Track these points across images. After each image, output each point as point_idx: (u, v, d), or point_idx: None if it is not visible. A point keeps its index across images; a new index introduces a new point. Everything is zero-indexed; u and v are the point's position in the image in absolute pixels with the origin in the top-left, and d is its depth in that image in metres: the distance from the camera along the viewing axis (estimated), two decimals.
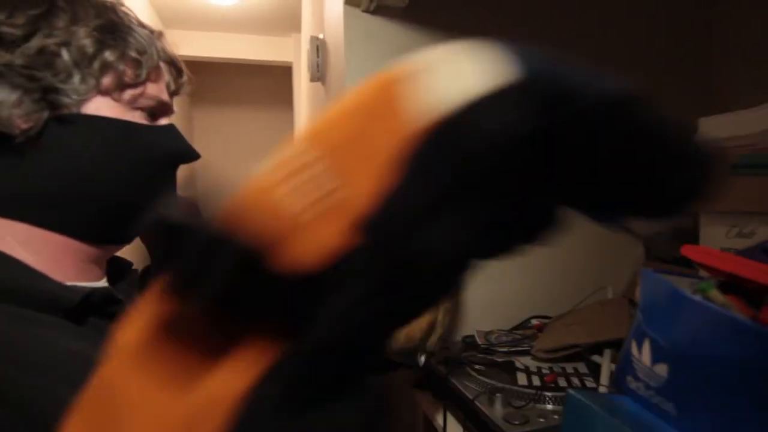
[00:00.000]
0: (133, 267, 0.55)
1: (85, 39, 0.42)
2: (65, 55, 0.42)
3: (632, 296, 1.06)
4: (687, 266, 0.94)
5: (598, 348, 0.90)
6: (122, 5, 0.49)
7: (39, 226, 0.43)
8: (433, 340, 0.69)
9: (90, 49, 0.42)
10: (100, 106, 0.44)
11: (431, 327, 0.69)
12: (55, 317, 0.41)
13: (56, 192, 0.43)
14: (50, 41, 0.41)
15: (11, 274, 0.41)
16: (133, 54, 0.45)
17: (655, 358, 0.43)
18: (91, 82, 0.43)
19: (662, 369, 0.42)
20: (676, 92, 1.27)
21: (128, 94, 0.45)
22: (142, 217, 0.48)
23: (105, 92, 0.44)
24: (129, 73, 0.45)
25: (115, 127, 0.44)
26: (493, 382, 0.83)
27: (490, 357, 0.94)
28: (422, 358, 0.69)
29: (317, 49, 1.46)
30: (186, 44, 3.59)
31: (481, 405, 0.77)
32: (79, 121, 0.42)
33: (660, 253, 1.11)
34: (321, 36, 1.48)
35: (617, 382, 0.48)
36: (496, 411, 0.75)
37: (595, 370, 0.85)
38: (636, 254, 1.25)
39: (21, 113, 0.40)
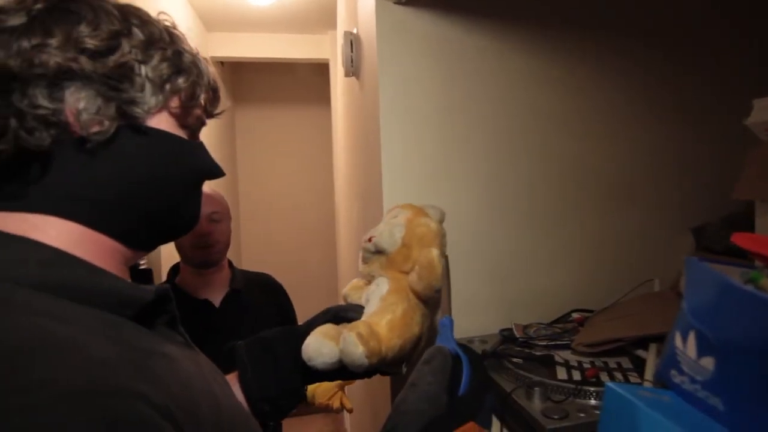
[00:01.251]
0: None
1: (162, 63, 0.46)
2: (142, 71, 0.45)
3: (681, 289, 1.01)
4: (738, 257, 0.89)
5: (643, 342, 0.86)
6: (176, 28, 0.52)
7: (90, 226, 0.44)
8: (417, 351, 0.71)
9: (165, 73, 0.47)
10: (160, 121, 0.47)
11: (419, 340, 0.70)
12: (125, 318, 0.42)
13: (114, 195, 0.45)
14: (130, 57, 0.45)
15: (83, 274, 0.41)
16: (194, 79, 0.49)
17: (701, 351, 0.41)
18: (160, 99, 0.47)
19: (709, 362, 0.40)
20: (737, 72, 1.20)
21: (185, 113, 0.49)
22: (169, 224, 0.50)
23: (168, 110, 0.48)
24: (189, 95, 0.49)
25: (173, 142, 0.48)
26: (531, 375, 0.81)
27: (528, 350, 0.92)
28: (405, 368, 0.72)
29: (351, 44, 1.46)
30: (227, 46, 3.69)
31: (519, 399, 0.76)
32: (149, 133, 0.46)
33: (710, 243, 1.05)
34: (355, 31, 1.48)
35: (660, 376, 0.46)
36: (535, 405, 0.74)
37: (639, 365, 0.82)
38: (685, 245, 1.19)
39: (99, 119, 0.43)
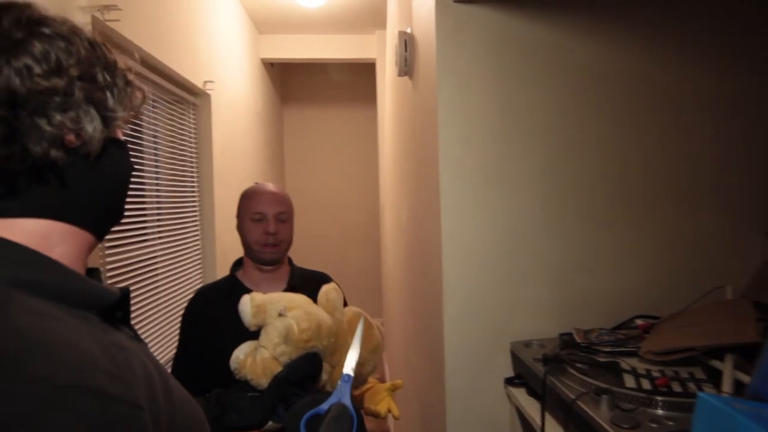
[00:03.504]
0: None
1: (126, 86, 0.53)
2: (111, 97, 0.51)
3: (757, 297, 0.96)
4: None
5: (717, 352, 0.82)
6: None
7: (78, 225, 0.50)
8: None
9: (128, 94, 0.53)
10: (118, 133, 0.56)
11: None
12: (92, 315, 0.47)
13: (100, 198, 0.52)
14: (103, 82, 0.50)
15: (60, 275, 0.46)
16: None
17: None
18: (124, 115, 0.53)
19: None
20: None
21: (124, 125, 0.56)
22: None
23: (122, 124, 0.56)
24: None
25: (127, 149, 0.57)
26: (596, 382, 0.78)
27: (592, 356, 0.89)
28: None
29: (405, 44, 1.46)
30: (276, 47, 3.77)
31: (585, 406, 0.74)
32: (122, 145, 0.55)
33: None
34: (409, 30, 1.48)
35: (757, 389, 0.43)
36: (602, 413, 0.71)
37: (714, 376, 0.78)
38: (759, 251, 1.12)
39: (100, 137, 0.49)
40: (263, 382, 0.89)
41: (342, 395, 0.72)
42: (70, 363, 0.38)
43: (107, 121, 0.50)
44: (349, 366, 0.77)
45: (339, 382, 0.74)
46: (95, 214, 0.52)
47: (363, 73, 4.45)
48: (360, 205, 5.12)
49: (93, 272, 0.60)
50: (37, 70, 0.44)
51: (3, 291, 0.41)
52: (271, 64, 4.18)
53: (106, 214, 0.54)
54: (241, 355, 0.92)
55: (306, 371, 0.88)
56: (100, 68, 0.50)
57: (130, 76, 0.55)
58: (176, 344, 1.19)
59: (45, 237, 0.47)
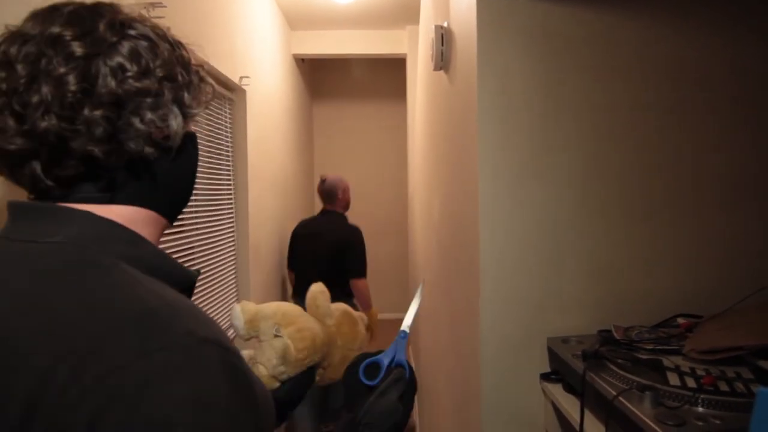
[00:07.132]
0: None
1: (199, 83, 0.56)
2: (188, 94, 0.55)
3: None
4: None
5: (765, 352, 0.80)
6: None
7: (158, 211, 0.55)
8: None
9: (199, 89, 0.57)
10: (190, 126, 0.58)
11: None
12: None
13: (177, 187, 0.57)
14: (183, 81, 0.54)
15: (162, 260, 0.53)
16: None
17: None
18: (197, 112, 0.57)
19: None
20: None
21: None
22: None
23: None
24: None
25: (196, 140, 0.61)
26: (639, 379, 0.78)
27: (633, 353, 0.88)
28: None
29: (442, 38, 1.46)
30: (308, 43, 3.80)
31: (628, 402, 0.73)
32: (193, 137, 0.58)
33: None
34: (446, 24, 1.48)
35: None
36: (646, 409, 0.71)
37: (762, 377, 0.76)
38: None
39: (181, 133, 0.53)
40: None
41: (398, 351, 0.74)
42: (201, 321, 0.45)
43: (186, 116, 0.54)
44: (405, 324, 0.78)
45: (396, 338, 0.75)
46: (172, 202, 0.57)
47: (392, 68, 4.45)
48: (388, 199, 5.13)
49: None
50: (129, 72, 0.47)
51: (116, 263, 0.47)
52: (302, 59, 4.22)
53: (181, 201, 0.59)
54: None
55: (304, 389, 0.91)
56: (179, 68, 0.53)
57: (202, 72, 0.57)
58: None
59: (133, 221, 0.52)
